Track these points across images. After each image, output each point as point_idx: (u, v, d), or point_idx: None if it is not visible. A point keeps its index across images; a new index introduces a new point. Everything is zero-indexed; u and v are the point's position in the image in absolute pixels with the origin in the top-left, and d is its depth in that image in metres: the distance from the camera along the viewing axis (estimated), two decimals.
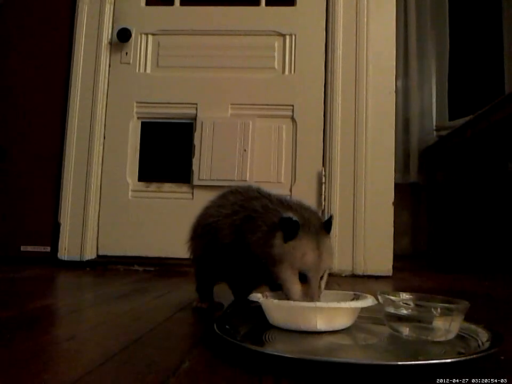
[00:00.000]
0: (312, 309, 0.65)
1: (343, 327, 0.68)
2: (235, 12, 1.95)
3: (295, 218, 0.71)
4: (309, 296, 0.70)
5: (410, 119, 2.86)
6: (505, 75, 2.44)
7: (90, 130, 1.88)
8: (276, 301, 0.69)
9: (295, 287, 0.71)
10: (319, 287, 0.72)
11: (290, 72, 1.90)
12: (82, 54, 1.91)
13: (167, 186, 1.89)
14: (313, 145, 1.85)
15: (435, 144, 2.78)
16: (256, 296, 0.71)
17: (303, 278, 0.71)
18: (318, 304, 0.66)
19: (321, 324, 0.65)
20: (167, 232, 1.84)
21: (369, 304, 0.68)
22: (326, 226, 0.75)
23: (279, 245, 0.72)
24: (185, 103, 1.91)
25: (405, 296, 0.69)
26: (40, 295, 1.14)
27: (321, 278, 0.73)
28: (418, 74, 2.86)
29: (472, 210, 2.27)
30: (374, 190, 1.78)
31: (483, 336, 0.61)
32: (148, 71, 1.95)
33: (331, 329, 0.66)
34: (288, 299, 0.70)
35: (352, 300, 0.73)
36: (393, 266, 1.73)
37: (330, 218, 0.76)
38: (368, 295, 0.72)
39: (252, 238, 0.76)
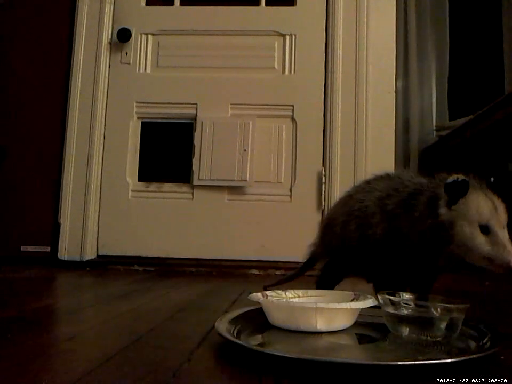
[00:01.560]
0: (312, 309, 0.65)
1: (343, 328, 0.68)
2: (235, 12, 1.95)
3: (461, 178, 0.70)
4: (500, 244, 0.68)
5: (410, 119, 2.85)
6: (505, 75, 2.44)
7: (90, 130, 1.88)
8: (276, 301, 0.69)
9: (480, 239, 0.69)
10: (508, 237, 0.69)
11: (290, 72, 1.90)
12: (82, 54, 1.91)
13: (167, 186, 1.89)
14: (313, 145, 1.85)
15: (435, 144, 2.78)
16: (257, 296, 0.71)
17: (486, 231, 0.69)
18: (318, 304, 0.66)
19: (321, 324, 0.65)
20: (167, 232, 1.84)
21: (370, 305, 0.68)
22: (492, 184, 0.75)
23: (445, 212, 0.71)
24: (185, 103, 1.91)
25: (405, 296, 0.69)
26: (40, 295, 1.14)
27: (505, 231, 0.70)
28: (418, 74, 2.85)
29: None
30: None
31: (483, 336, 0.61)
32: (148, 71, 1.95)
33: (331, 330, 0.66)
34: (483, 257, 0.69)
35: (353, 300, 0.73)
36: None
37: (494, 180, 0.76)
38: (369, 295, 0.72)
39: (408, 221, 0.74)
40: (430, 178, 0.79)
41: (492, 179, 0.75)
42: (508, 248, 0.67)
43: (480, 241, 0.69)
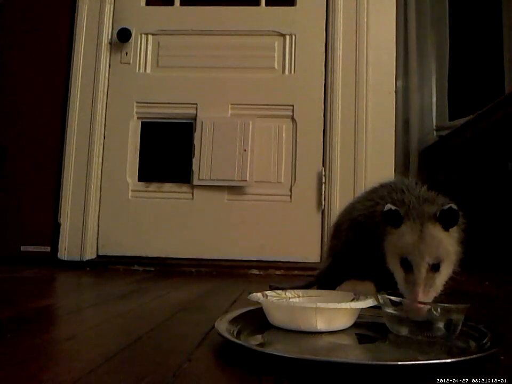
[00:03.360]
0: (312, 309, 0.65)
1: (343, 328, 0.68)
2: (235, 12, 1.95)
3: (394, 208, 0.70)
4: (410, 282, 0.65)
5: (410, 119, 2.85)
6: (505, 75, 2.44)
7: (90, 130, 1.88)
8: (276, 301, 0.69)
9: (398, 274, 0.69)
10: (430, 277, 0.66)
11: (290, 72, 1.90)
12: (82, 54, 1.91)
13: (167, 186, 1.89)
14: (313, 145, 1.85)
15: (435, 144, 2.78)
16: (257, 296, 0.71)
17: (407, 265, 0.67)
18: (318, 304, 0.66)
19: (321, 324, 0.65)
20: (167, 232, 1.84)
21: (369, 305, 0.68)
22: (440, 217, 0.70)
23: (384, 238, 0.73)
24: (185, 103, 1.91)
25: None
26: (40, 295, 1.14)
27: (436, 270, 0.67)
28: (418, 74, 2.85)
29: (472, 210, 2.26)
30: None
31: (483, 336, 0.61)
32: (148, 71, 1.95)
33: (331, 330, 0.66)
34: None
35: (352, 300, 0.73)
36: None
37: (446, 210, 0.69)
38: (369, 295, 0.72)
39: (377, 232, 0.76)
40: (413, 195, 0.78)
41: (450, 209, 0.70)
42: (415, 290, 0.64)
43: (398, 275, 0.69)
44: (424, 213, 0.71)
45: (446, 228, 0.70)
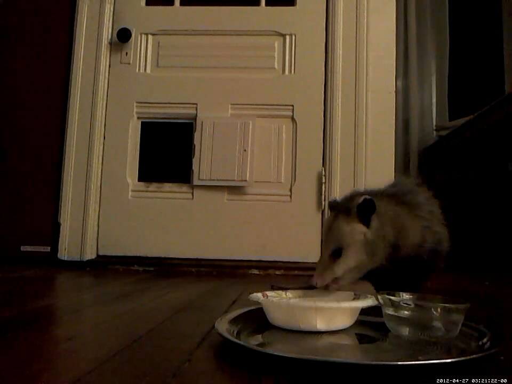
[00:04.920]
0: (312, 309, 0.65)
1: (343, 327, 0.68)
2: (235, 12, 1.95)
3: (332, 200, 0.83)
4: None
5: (410, 119, 2.85)
6: (505, 75, 2.44)
7: (90, 130, 1.88)
8: (276, 300, 0.69)
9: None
10: (331, 262, 0.75)
11: (290, 72, 1.90)
12: (82, 54, 1.91)
13: (167, 186, 1.89)
14: (313, 145, 1.85)
15: (435, 144, 2.78)
16: (257, 296, 0.71)
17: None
18: (318, 304, 0.66)
19: (321, 324, 0.65)
20: (167, 232, 1.84)
21: (369, 305, 0.68)
22: (357, 209, 0.77)
23: None
24: (185, 103, 1.91)
25: (405, 296, 0.69)
26: (40, 295, 1.14)
27: (337, 257, 0.75)
28: (418, 74, 2.85)
29: (472, 210, 2.27)
30: None
31: (483, 336, 0.61)
32: (148, 71, 1.95)
33: (331, 330, 0.66)
34: None
35: (353, 299, 0.73)
36: None
37: (361, 203, 0.76)
38: (368, 295, 0.72)
39: None
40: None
41: (364, 201, 0.76)
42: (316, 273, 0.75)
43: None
44: (343, 206, 0.79)
45: (363, 220, 0.76)
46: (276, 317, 0.68)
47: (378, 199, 0.80)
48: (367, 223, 0.76)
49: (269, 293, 0.75)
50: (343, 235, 0.75)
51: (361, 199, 0.76)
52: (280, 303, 0.68)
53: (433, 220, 0.87)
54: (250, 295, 0.72)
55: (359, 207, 0.76)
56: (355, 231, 0.76)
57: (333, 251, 0.75)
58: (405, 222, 0.81)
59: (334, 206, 0.82)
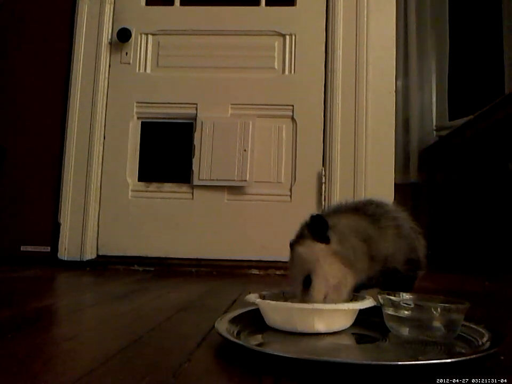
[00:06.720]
0: (309, 310, 0.64)
1: (342, 329, 0.67)
2: (235, 12, 1.95)
3: (290, 240, 0.78)
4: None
5: (410, 119, 2.85)
6: (505, 75, 2.44)
7: (90, 130, 1.88)
8: (273, 302, 0.68)
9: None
10: (305, 293, 0.69)
11: (290, 72, 1.90)
12: (82, 54, 1.91)
13: (167, 186, 1.89)
14: (313, 145, 1.85)
15: (435, 144, 2.78)
16: (252, 298, 0.71)
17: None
18: (316, 305, 0.65)
19: (319, 326, 0.65)
20: (167, 232, 1.84)
21: (368, 305, 0.67)
22: (310, 228, 0.72)
23: None
24: (185, 103, 1.91)
25: (405, 296, 0.68)
26: (40, 295, 1.14)
27: (308, 286, 0.69)
28: (418, 74, 2.85)
29: (472, 210, 2.27)
30: (374, 190, 1.78)
31: (483, 336, 0.61)
32: (148, 71, 1.95)
33: (329, 331, 0.66)
34: None
35: (351, 300, 0.73)
36: None
37: (309, 222, 0.72)
38: (368, 296, 0.72)
39: None
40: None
41: (312, 217, 0.72)
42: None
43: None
44: (296, 236, 0.77)
45: (320, 239, 0.71)
46: (273, 318, 0.67)
47: (336, 214, 0.77)
48: (326, 240, 0.70)
49: (266, 293, 0.75)
50: (305, 259, 0.70)
51: (309, 217, 0.71)
52: (277, 304, 0.67)
53: (403, 228, 0.80)
54: (247, 297, 0.71)
55: (310, 226, 0.72)
56: (315, 250, 0.70)
57: (304, 282, 0.69)
58: (370, 232, 0.75)
59: (291, 243, 0.77)
